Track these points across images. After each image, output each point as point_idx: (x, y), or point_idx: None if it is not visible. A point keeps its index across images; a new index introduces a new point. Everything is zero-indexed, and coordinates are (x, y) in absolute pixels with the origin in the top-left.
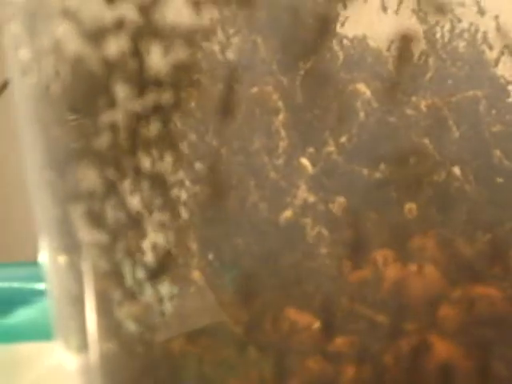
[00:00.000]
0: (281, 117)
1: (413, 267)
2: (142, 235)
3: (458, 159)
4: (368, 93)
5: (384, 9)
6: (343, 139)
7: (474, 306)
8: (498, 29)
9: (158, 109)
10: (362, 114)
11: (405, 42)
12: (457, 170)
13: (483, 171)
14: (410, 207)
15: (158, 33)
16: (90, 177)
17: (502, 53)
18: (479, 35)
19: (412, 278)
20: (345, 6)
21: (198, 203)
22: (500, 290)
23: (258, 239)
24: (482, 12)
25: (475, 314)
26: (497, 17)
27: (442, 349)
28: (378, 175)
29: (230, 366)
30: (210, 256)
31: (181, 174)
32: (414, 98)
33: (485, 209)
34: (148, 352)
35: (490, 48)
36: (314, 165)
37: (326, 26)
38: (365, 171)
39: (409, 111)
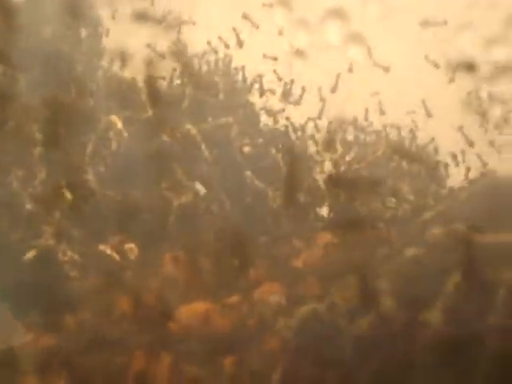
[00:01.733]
0: (39, 148)
1: (152, 284)
2: None
3: (207, 181)
4: (119, 124)
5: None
6: (100, 168)
7: (203, 319)
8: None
9: None
10: (114, 144)
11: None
12: (202, 191)
13: (235, 191)
14: (130, 247)
15: None
16: None
17: (255, 81)
18: (233, 65)
19: (148, 295)
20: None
21: None
22: (219, 304)
23: (13, 268)
24: (240, 44)
25: (202, 328)
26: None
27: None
28: (131, 199)
29: None
30: None
31: None
32: (169, 126)
33: (237, 225)
34: None
35: (244, 78)
36: (73, 193)
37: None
38: (118, 197)
39: (165, 138)
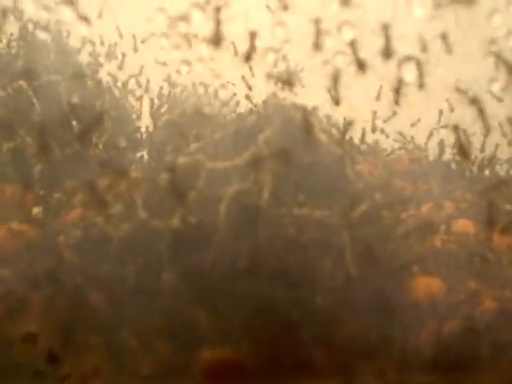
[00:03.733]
0: None
1: None
2: None
3: (38, 127)
4: None
5: None
6: None
7: None
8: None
9: None
10: None
11: None
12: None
13: (61, 138)
14: None
15: None
16: None
17: (83, 43)
18: (64, 29)
19: None
20: None
21: None
22: None
23: None
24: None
25: None
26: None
27: None
28: None
29: None
30: None
31: None
32: (2, 82)
33: None
34: None
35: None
36: None
37: None
38: None
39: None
